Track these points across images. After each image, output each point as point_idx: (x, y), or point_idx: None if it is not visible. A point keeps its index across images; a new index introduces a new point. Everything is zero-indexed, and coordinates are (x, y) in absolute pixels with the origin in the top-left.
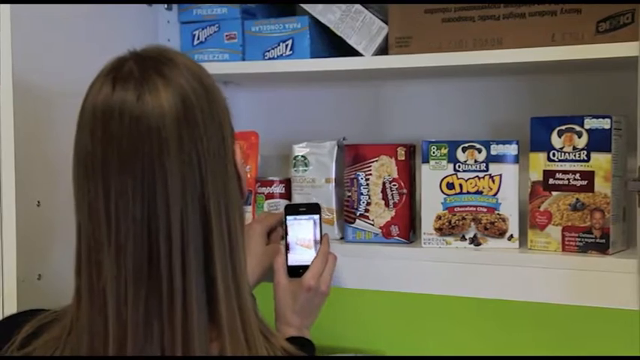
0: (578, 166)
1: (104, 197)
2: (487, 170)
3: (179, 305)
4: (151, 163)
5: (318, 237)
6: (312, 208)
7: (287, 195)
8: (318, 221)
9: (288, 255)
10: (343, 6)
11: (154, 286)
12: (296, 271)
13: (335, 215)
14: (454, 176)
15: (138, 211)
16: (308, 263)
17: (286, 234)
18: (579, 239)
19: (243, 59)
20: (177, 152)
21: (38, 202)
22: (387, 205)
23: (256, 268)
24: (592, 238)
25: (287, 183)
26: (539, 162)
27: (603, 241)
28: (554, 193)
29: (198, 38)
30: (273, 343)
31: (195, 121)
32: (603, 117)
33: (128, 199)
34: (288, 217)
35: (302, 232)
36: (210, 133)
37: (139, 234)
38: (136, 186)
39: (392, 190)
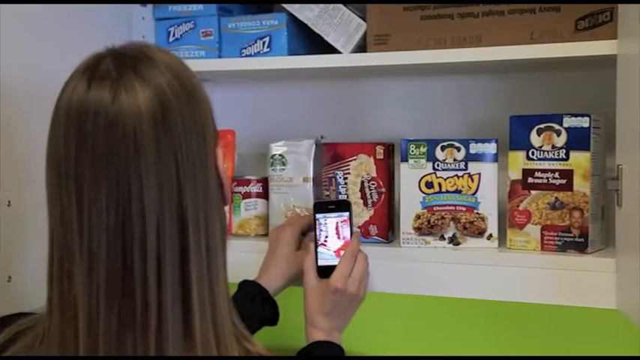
0: (557, 165)
1: (77, 203)
2: (466, 169)
3: (153, 319)
4: (126, 169)
5: (348, 235)
6: (342, 206)
7: (264, 194)
8: (348, 219)
9: (318, 255)
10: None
11: (127, 298)
12: (326, 272)
13: None
14: (433, 175)
15: (112, 219)
16: (337, 263)
17: (316, 233)
18: (558, 238)
19: (220, 56)
20: (154, 157)
21: (9, 201)
22: (365, 204)
23: (284, 273)
24: (571, 237)
25: (264, 182)
26: (518, 161)
27: (582, 240)
28: (533, 192)
29: (174, 35)
30: (251, 351)
31: (174, 123)
32: (582, 115)
33: (102, 207)
34: (318, 215)
35: (332, 230)
36: (190, 136)
37: (112, 243)
38: (110, 192)
39: (370, 190)
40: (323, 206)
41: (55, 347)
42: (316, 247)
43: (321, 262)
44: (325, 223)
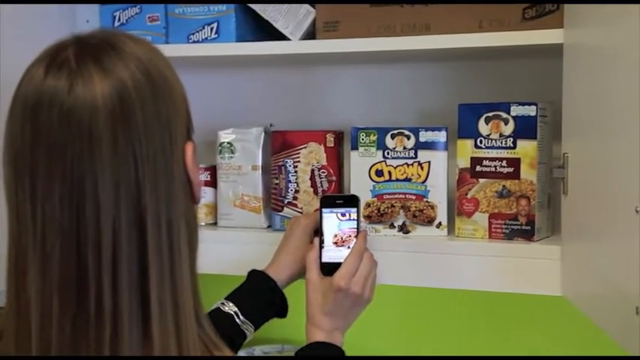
0: (504, 153)
1: (30, 200)
2: (416, 157)
3: (108, 327)
4: (80, 165)
5: (355, 232)
6: (350, 201)
7: (212, 182)
8: (355, 215)
9: (323, 251)
10: None
11: (81, 303)
12: (330, 269)
13: (262, 203)
14: (383, 163)
15: (66, 219)
16: (342, 260)
17: (321, 227)
18: (505, 226)
19: (167, 42)
20: (110, 154)
21: None
22: (315, 192)
23: (292, 265)
24: (518, 225)
25: (212, 170)
26: (466, 149)
27: (529, 227)
28: (481, 180)
29: (119, 20)
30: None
31: (134, 118)
32: (529, 104)
33: (55, 204)
34: (324, 210)
35: (338, 225)
36: (153, 132)
37: (66, 244)
38: (64, 190)
39: (321, 178)
40: (330, 200)
41: (12, 347)
42: (321, 242)
43: (325, 259)
44: (332, 218)
